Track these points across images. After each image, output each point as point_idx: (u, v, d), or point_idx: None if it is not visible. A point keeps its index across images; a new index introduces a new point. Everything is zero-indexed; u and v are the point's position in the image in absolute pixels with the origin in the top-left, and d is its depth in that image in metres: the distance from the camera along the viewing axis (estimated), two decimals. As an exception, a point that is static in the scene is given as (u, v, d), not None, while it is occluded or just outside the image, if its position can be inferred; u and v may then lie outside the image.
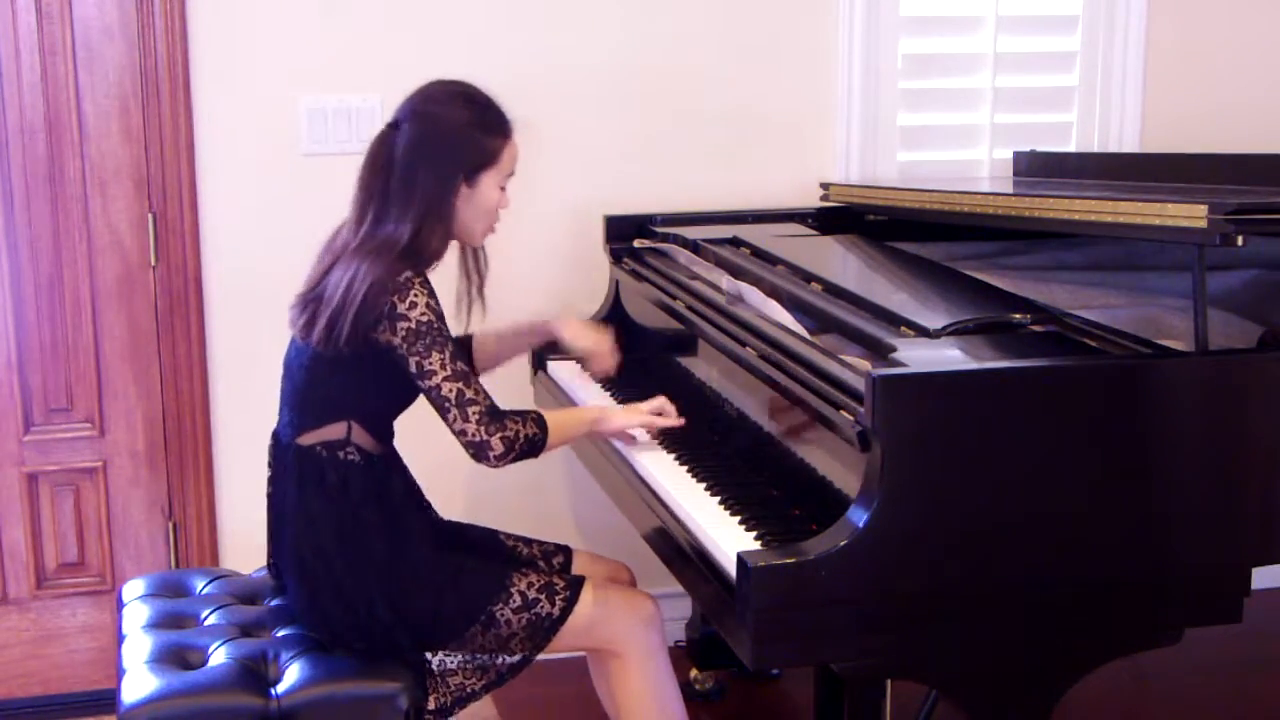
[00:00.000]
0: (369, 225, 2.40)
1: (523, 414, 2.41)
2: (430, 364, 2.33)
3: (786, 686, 3.43)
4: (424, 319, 2.32)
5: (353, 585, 2.38)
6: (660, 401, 2.59)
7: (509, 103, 2.49)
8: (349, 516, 2.39)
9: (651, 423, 2.57)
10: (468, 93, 2.46)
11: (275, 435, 2.52)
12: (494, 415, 2.36)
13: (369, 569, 2.38)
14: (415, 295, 2.32)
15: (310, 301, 2.42)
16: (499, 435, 2.34)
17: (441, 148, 2.41)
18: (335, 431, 2.42)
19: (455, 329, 2.54)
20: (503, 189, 2.49)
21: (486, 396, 2.37)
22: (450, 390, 2.33)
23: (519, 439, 2.36)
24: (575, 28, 3.36)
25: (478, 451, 2.36)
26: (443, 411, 2.36)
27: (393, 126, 2.44)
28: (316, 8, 3.23)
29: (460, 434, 2.35)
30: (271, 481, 2.52)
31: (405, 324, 2.32)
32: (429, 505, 2.62)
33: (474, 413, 2.33)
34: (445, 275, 2.53)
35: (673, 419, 2.58)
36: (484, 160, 2.44)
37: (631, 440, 2.64)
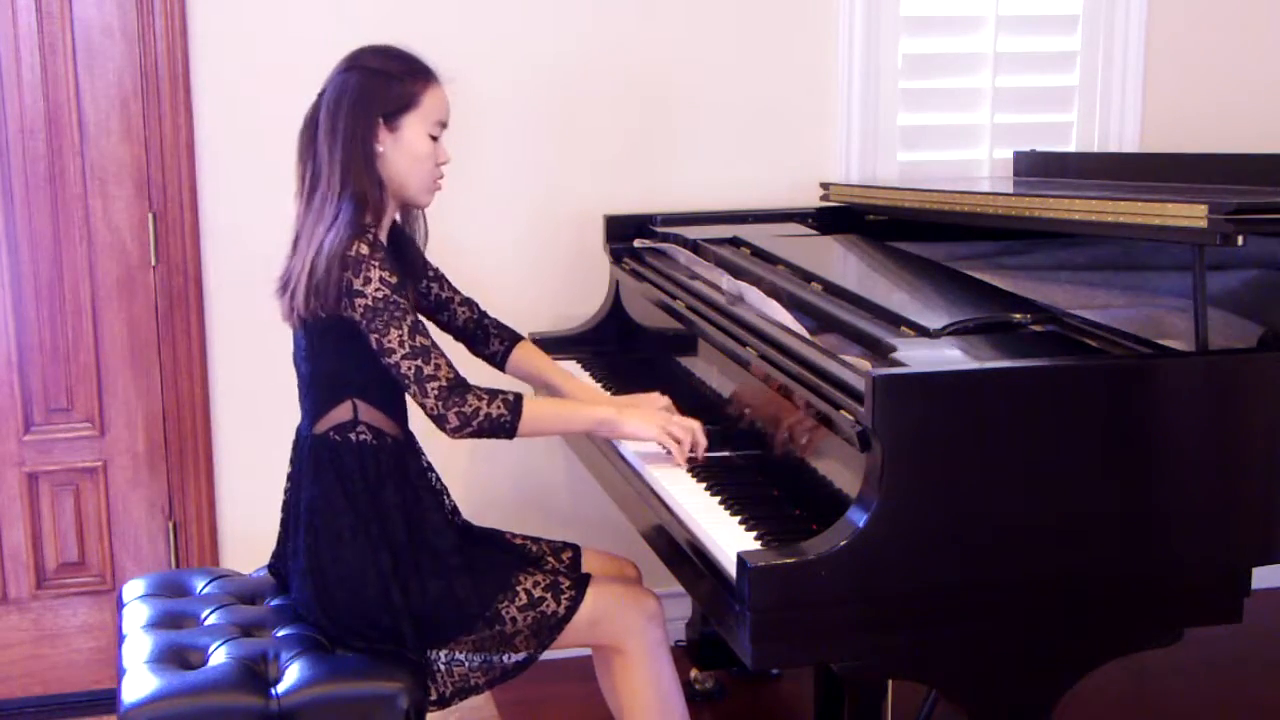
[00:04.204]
0: (308, 187, 2.45)
1: (495, 393, 2.39)
2: (389, 341, 2.34)
3: (786, 686, 3.42)
4: (379, 295, 2.33)
5: (362, 576, 2.38)
6: (690, 423, 2.49)
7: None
8: (365, 501, 2.41)
9: (666, 440, 2.47)
10: (385, 48, 2.49)
11: (297, 432, 2.54)
12: (454, 390, 2.36)
13: (381, 556, 2.39)
14: (368, 270, 2.33)
15: (284, 285, 2.45)
16: (455, 410, 2.35)
17: (357, 95, 2.42)
18: (343, 413, 2.43)
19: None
20: (435, 139, 2.47)
21: (449, 369, 2.37)
22: (409, 368, 2.35)
23: (478, 416, 2.36)
24: (575, 29, 3.36)
25: (437, 424, 2.38)
26: (404, 387, 2.38)
27: (319, 95, 2.47)
28: (316, 8, 3.23)
29: (421, 407, 2.38)
30: (289, 478, 2.54)
31: (362, 300, 2.34)
32: (445, 490, 2.59)
33: (432, 388, 2.35)
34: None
35: (695, 447, 2.48)
36: (402, 103, 2.44)
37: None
